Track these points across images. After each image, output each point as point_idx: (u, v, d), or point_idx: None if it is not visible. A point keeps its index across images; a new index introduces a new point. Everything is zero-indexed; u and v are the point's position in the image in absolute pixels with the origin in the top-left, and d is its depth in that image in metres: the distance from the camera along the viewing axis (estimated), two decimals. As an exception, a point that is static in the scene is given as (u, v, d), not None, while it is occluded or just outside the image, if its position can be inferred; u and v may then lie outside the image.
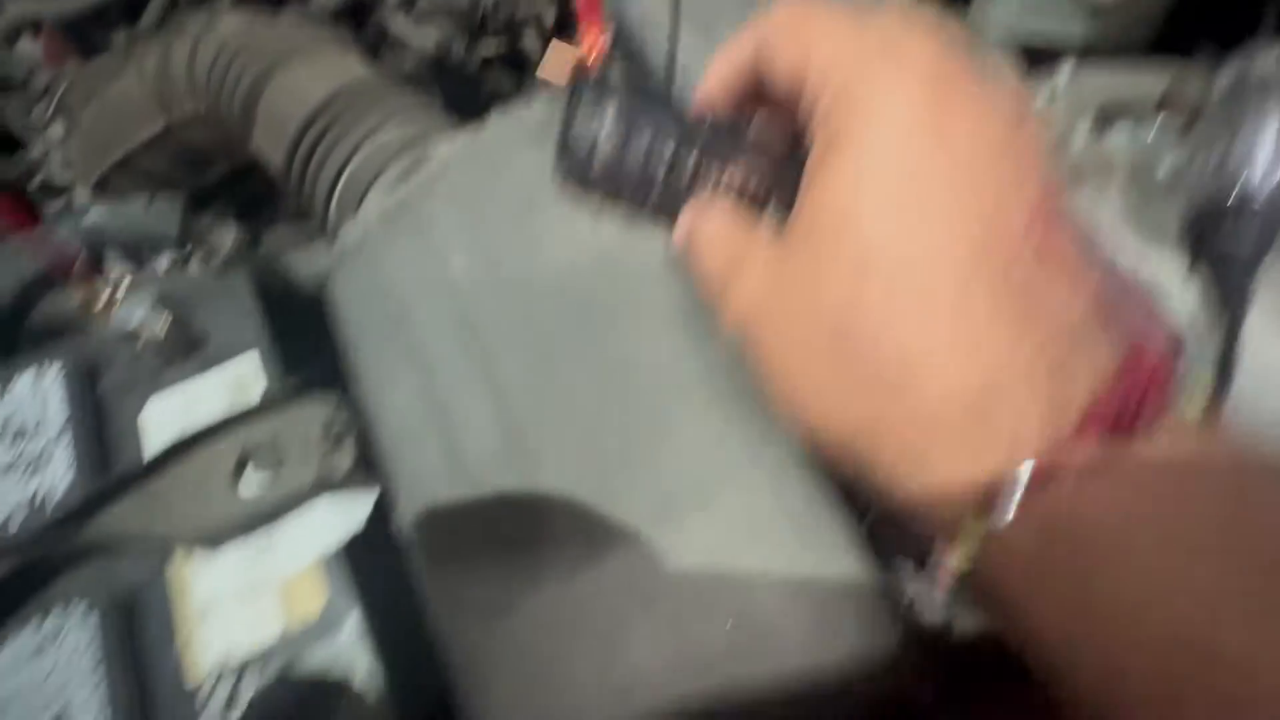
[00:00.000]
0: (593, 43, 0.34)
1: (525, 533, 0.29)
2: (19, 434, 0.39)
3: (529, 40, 0.62)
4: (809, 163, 0.23)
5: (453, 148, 0.37)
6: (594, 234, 0.34)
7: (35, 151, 0.68)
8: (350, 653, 0.34)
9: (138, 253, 0.42)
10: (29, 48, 0.63)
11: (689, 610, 0.27)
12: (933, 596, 0.22)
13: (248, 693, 0.30)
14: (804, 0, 0.24)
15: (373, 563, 0.39)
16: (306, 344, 0.48)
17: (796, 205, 0.23)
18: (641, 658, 0.27)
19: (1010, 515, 0.20)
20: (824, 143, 0.22)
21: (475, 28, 0.59)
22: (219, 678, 0.31)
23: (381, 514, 0.38)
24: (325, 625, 0.34)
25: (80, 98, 0.58)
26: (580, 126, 0.30)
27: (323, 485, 0.37)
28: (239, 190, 0.64)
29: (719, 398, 0.31)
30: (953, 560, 0.21)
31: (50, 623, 0.33)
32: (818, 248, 0.22)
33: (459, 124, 0.48)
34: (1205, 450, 0.20)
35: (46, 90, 0.62)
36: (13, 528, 0.36)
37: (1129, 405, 0.19)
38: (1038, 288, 0.21)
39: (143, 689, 0.32)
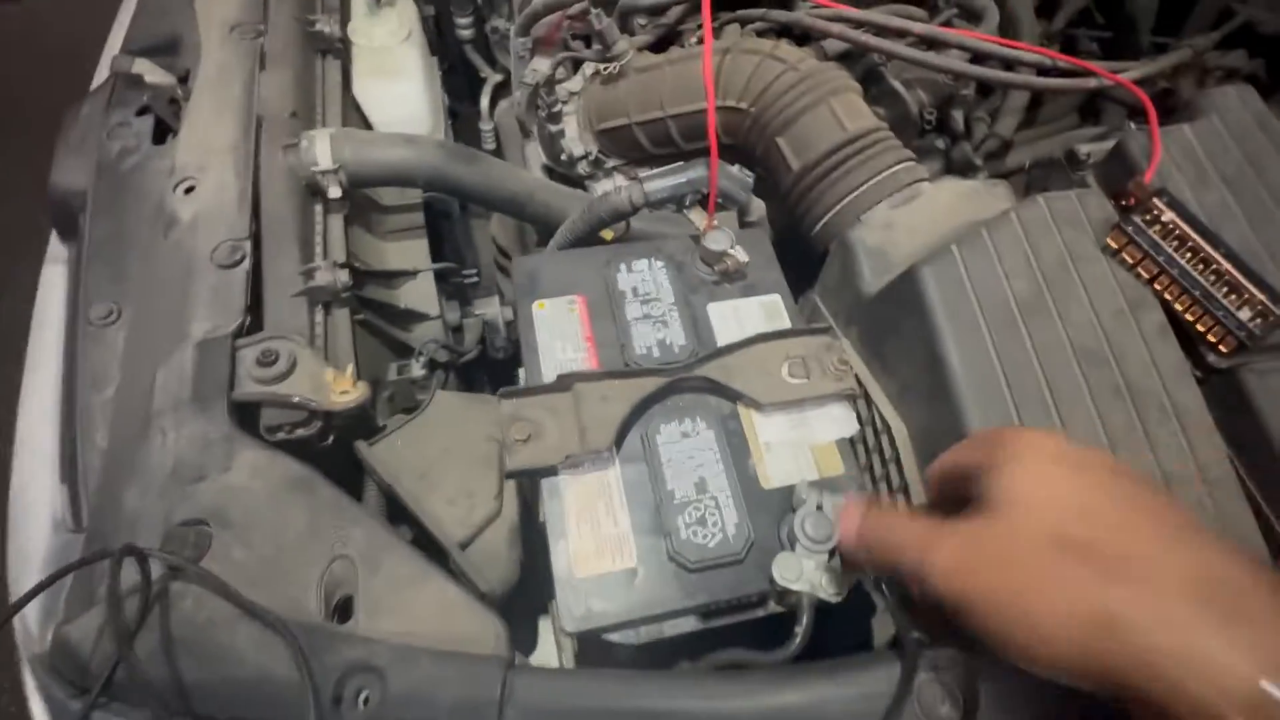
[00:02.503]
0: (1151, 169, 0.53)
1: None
2: (645, 299, 0.58)
3: (954, 118, 0.80)
4: (988, 488, 0.35)
5: (999, 217, 0.55)
6: (1113, 295, 0.51)
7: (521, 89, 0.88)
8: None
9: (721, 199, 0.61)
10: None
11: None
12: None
13: (826, 503, 0.48)
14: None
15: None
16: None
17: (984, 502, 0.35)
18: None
19: None
20: (993, 479, 0.35)
21: (939, 101, 0.77)
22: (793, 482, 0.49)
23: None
24: (844, 485, 0.52)
25: (632, 68, 0.78)
26: (1151, 209, 0.49)
27: (836, 395, 0.55)
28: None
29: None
30: None
31: (687, 422, 0.52)
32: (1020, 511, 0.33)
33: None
34: None
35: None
36: (652, 356, 0.55)
37: None
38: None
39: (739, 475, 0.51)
